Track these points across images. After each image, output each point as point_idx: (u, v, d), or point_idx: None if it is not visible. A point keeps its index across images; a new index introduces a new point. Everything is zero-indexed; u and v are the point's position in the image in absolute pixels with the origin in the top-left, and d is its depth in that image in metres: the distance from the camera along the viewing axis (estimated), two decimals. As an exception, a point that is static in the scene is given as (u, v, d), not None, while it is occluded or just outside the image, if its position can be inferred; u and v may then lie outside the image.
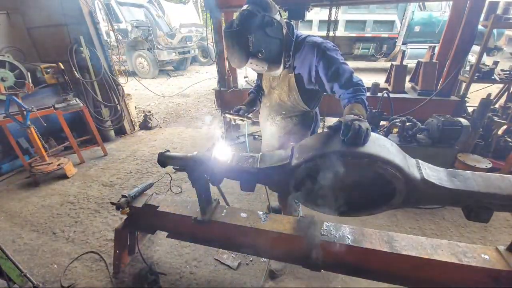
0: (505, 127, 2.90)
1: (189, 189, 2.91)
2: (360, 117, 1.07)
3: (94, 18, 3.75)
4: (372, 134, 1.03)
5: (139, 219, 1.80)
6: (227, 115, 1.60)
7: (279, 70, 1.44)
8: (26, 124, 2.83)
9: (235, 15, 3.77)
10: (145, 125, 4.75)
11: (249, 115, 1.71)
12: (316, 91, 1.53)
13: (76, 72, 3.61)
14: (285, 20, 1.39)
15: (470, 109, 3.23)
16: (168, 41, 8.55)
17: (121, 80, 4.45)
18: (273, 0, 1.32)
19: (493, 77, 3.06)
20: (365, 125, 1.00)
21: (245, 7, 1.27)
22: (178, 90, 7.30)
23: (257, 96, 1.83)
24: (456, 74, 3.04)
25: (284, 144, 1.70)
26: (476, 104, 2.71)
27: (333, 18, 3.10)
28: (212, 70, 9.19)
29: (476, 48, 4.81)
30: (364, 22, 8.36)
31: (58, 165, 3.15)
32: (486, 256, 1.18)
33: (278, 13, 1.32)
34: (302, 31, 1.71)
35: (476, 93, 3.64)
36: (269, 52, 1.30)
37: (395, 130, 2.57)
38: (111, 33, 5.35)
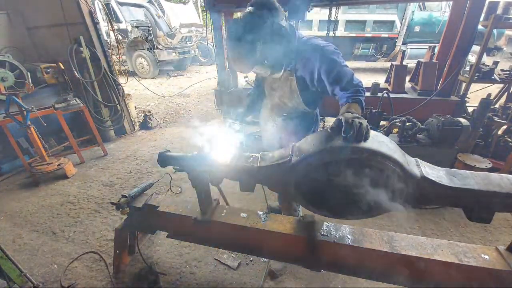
0: (505, 127, 2.90)
1: (189, 189, 2.91)
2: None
3: (94, 18, 3.75)
4: (372, 131, 1.04)
5: (139, 219, 1.80)
6: (228, 120, 1.61)
7: (281, 73, 1.44)
8: (26, 124, 2.83)
9: (236, 14, 3.78)
10: (145, 125, 4.75)
11: (249, 118, 1.71)
12: (317, 93, 1.53)
13: (76, 72, 3.61)
14: (288, 22, 1.38)
15: (470, 109, 3.22)
16: (168, 41, 8.55)
17: (121, 80, 4.45)
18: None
19: (493, 77, 3.06)
20: (364, 122, 1.01)
21: (251, 9, 1.21)
22: (178, 90, 7.30)
23: (256, 97, 1.83)
24: (456, 74, 3.03)
25: (285, 145, 1.70)
26: (476, 104, 2.71)
27: (333, 18, 3.10)
28: (212, 70, 9.19)
29: (476, 48, 4.81)
30: (364, 22, 8.36)
31: (58, 165, 3.15)
32: (486, 256, 1.18)
33: (284, 17, 1.31)
34: (302, 31, 1.71)
35: (476, 93, 3.64)
36: (274, 58, 1.29)
37: (395, 130, 2.56)
38: (111, 33, 5.35)
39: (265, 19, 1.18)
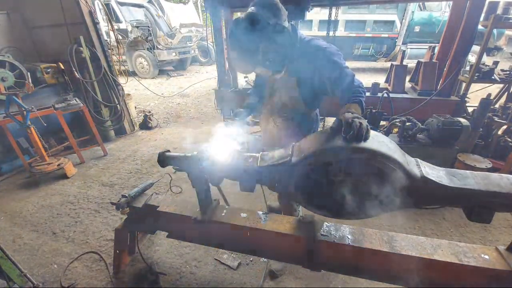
0: (505, 127, 2.90)
1: (189, 189, 2.91)
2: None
3: (94, 18, 3.75)
4: (372, 131, 1.04)
5: (139, 219, 1.80)
6: (228, 120, 1.61)
7: (282, 74, 1.44)
8: (26, 124, 2.84)
9: (236, 15, 3.77)
10: (145, 125, 4.75)
11: (249, 119, 1.71)
12: (318, 93, 1.53)
13: (76, 72, 3.61)
14: (290, 23, 1.38)
15: (470, 109, 3.23)
16: (168, 41, 8.55)
17: (121, 80, 4.45)
18: None
19: (493, 77, 3.06)
20: (364, 122, 1.01)
21: (254, 9, 1.20)
22: (178, 90, 7.30)
23: (256, 97, 1.83)
24: (456, 74, 3.03)
25: (285, 145, 1.70)
26: (476, 104, 2.71)
27: (333, 18, 3.10)
28: (212, 70, 9.20)
29: (476, 48, 4.81)
30: (364, 22, 8.36)
31: (58, 165, 3.15)
32: (486, 256, 1.18)
33: (287, 18, 1.30)
34: (302, 31, 1.71)
35: (476, 93, 3.64)
36: (277, 59, 1.28)
37: (395, 130, 2.57)
38: (111, 33, 5.35)
39: (267, 20, 1.17)
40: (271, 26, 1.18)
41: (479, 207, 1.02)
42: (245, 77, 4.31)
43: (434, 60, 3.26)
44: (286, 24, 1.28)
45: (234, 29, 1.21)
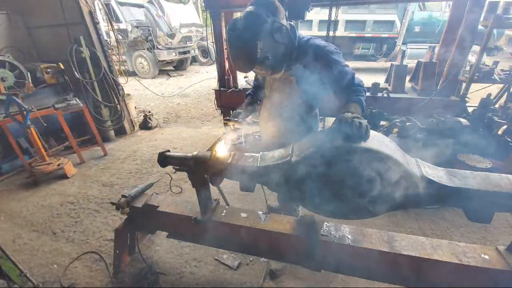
0: (505, 127, 2.90)
1: (189, 189, 2.91)
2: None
3: (94, 18, 3.75)
4: (372, 131, 1.05)
5: (139, 219, 1.80)
6: (228, 121, 1.61)
7: (281, 73, 1.44)
8: (26, 124, 2.83)
9: (235, 15, 3.78)
10: (145, 125, 4.75)
11: (249, 118, 1.71)
12: (317, 93, 1.52)
13: (76, 72, 3.61)
14: (289, 22, 1.38)
15: (470, 109, 3.23)
16: (168, 41, 8.55)
17: (121, 80, 4.44)
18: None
19: (493, 77, 3.06)
20: (364, 122, 1.01)
21: (251, 8, 1.21)
22: (178, 90, 7.31)
23: (255, 97, 1.83)
24: (456, 74, 3.03)
25: (285, 145, 1.70)
26: (476, 104, 2.71)
27: (333, 18, 3.10)
28: (212, 70, 9.19)
29: (476, 48, 4.81)
30: (364, 22, 8.36)
31: (58, 165, 3.15)
32: (486, 256, 1.18)
33: (285, 17, 1.30)
34: (302, 31, 1.71)
35: (476, 93, 3.64)
36: (275, 58, 1.28)
37: (395, 130, 2.56)
38: (111, 33, 5.35)
39: (265, 18, 1.17)
40: (269, 24, 1.18)
41: (479, 207, 1.02)
42: (245, 77, 4.31)
43: (434, 60, 3.26)
44: (284, 22, 1.28)
45: (233, 27, 1.21)
